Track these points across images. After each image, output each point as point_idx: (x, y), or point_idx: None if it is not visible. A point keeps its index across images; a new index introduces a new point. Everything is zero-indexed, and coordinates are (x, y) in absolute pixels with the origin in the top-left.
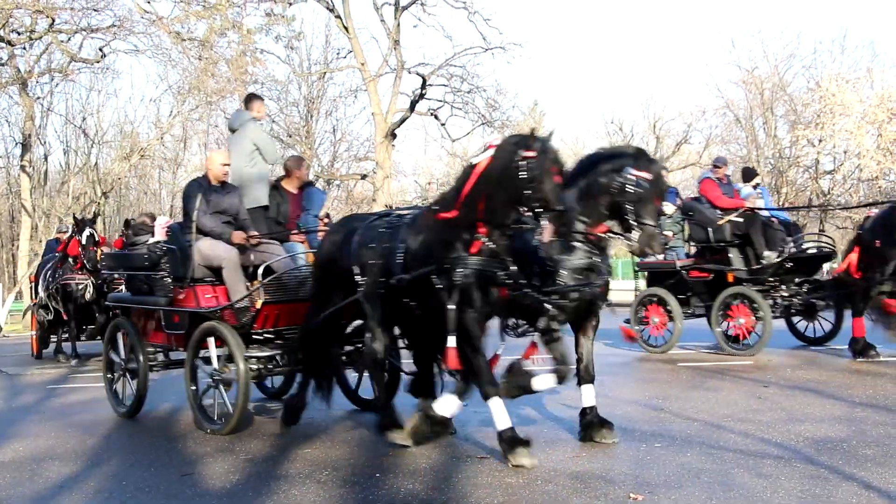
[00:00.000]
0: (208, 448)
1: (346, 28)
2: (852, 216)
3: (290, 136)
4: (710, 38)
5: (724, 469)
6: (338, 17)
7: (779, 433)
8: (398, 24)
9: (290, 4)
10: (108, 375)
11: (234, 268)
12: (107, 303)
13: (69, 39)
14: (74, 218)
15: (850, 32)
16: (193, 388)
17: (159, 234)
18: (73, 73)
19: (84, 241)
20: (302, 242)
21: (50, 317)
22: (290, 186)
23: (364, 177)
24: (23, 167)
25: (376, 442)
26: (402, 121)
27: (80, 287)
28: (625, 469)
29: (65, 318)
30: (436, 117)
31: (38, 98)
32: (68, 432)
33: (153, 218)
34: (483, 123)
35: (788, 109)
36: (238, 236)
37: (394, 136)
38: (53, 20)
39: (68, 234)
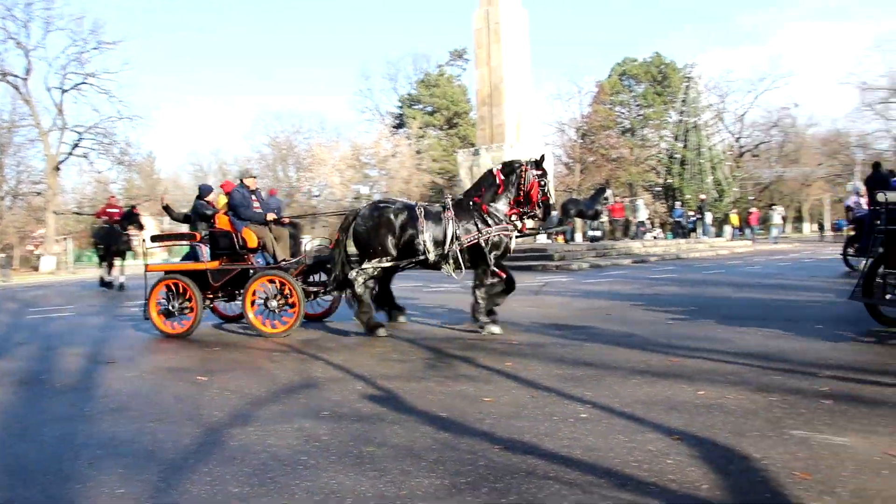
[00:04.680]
0: None
1: (26, 101)
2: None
3: None
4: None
5: (252, 360)
6: (20, 93)
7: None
8: (62, 101)
9: None
10: None
11: None
12: None
13: None
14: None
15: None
16: None
17: None
18: None
19: (547, 188)
20: None
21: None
22: None
23: (39, 194)
24: None
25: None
26: (64, 160)
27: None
28: (198, 364)
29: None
30: (86, 157)
31: None
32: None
33: None
34: (119, 163)
35: (296, 161)
36: None
37: (58, 169)
38: None
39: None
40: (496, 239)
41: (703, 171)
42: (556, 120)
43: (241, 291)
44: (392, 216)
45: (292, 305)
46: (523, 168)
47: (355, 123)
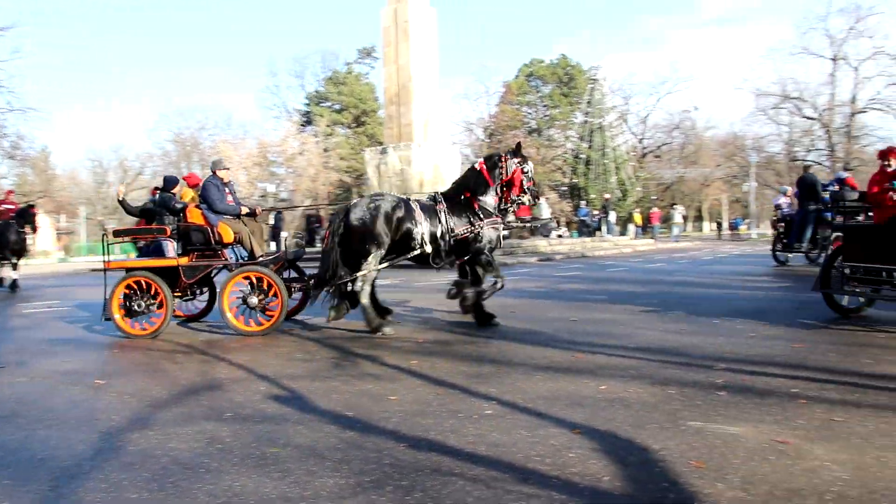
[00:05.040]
0: None
1: None
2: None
3: None
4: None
5: (153, 361)
6: None
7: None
8: None
9: None
10: None
11: None
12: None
13: None
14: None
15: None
16: None
17: None
18: None
19: (531, 174)
20: None
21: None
22: None
23: None
24: None
25: None
26: None
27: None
28: (95, 367)
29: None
30: None
31: None
32: None
33: None
34: (10, 158)
35: (200, 158)
36: None
37: None
38: None
39: (504, 164)
40: (487, 232)
41: (608, 171)
42: (463, 119)
43: (205, 289)
44: (389, 209)
45: (273, 300)
46: (503, 158)
47: (262, 121)
